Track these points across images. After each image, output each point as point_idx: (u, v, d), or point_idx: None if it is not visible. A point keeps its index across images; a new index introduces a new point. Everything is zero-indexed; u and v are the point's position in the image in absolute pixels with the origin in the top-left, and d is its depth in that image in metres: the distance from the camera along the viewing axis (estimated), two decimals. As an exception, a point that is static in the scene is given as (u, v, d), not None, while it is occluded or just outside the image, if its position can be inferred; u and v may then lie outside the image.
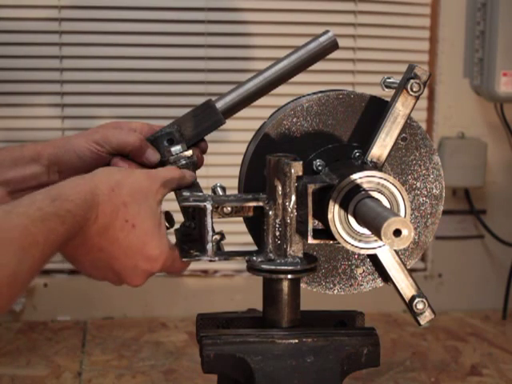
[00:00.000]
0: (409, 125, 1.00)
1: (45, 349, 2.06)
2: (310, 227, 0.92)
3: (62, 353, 2.03)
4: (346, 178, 0.90)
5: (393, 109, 0.97)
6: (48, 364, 1.96)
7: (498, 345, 2.15)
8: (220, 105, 1.07)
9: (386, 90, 1.02)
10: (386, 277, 1.00)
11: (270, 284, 0.97)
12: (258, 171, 0.99)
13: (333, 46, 1.08)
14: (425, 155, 1.02)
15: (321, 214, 0.92)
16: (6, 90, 2.18)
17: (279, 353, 0.93)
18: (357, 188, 0.90)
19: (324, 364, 0.93)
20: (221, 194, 1.00)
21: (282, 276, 0.95)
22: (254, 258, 0.95)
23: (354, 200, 0.89)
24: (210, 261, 0.95)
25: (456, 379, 1.93)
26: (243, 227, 1.03)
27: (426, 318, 0.99)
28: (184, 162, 1.04)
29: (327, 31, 1.08)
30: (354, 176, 0.90)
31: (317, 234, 0.93)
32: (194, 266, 2.18)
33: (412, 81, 0.96)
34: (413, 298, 0.98)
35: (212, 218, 0.94)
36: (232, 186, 1.09)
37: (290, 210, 0.93)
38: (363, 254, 1.02)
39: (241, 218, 0.99)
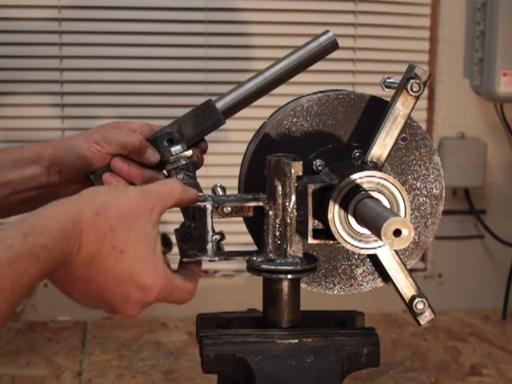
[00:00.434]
0: (409, 125, 1.00)
1: (45, 349, 2.06)
2: (310, 227, 0.92)
3: (62, 353, 2.03)
4: (346, 178, 0.90)
5: (393, 109, 0.97)
6: (48, 364, 1.96)
7: (498, 345, 2.15)
8: (220, 105, 1.07)
9: (386, 89, 1.02)
10: (385, 277, 1.00)
11: (270, 284, 0.97)
12: (258, 171, 0.99)
13: (333, 46, 1.08)
14: (425, 155, 1.02)
15: (321, 213, 0.92)
16: (5, 90, 2.18)
17: (279, 353, 0.93)
18: (357, 188, 0.90)
19: (324, 364, 0.93)
20: (221, 193, 1.00)
21: (282, 276, 0.95)
22: (254, 257, 0.95)
23: (354, 200, 0.89)
24: (210, 261, 0.94)
25: (456, 379, 1.93)
26: (243, 227, 1.03)
27: (426, 318, 0.99)
28: (184, 161, 1.04)
29: (327, 31, 1.08)
30: (354, 176, 0.90)
31: (317, 233, 0.93)
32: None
33: (412, 81, 0.96)
34: (413, 298, 0.98)
35: (212, 217, 0.93)
36: (232, 186, 1.09)
37: (289, 209, 0.93)
38: (363, 254, 1.02)
39: (241, 218, 0.99)
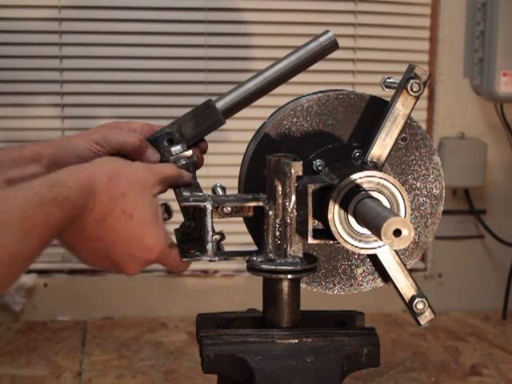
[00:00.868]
0: (409, 125, 1.00)
1: (45, 349, 2.06)
2: (310, 227, 0.92)
3: (62, 353, 2.03)
4: (346, 177, 0.90)
5: (393, 109, 0.97)
6: (48, 364, 1.96)
7: (498, 345, 2.15)
8: (220, 105, 1.07)
9: (386, 89, 1.02)
10: (385, 277, 1.00)
11: (270, 284, 0.97)
12: (258, 171, 0.99)
13: (333, 45, 1.08)
14: (425, 155, 1.02)
15: (321, 213, 0.92)
16: (5, 90, 2.18)
17: (279, 353, 0.93)
18: (357, 188, 0.90)
19: (324, 364, 0.93)
20: (221, 193, 1.00)
21: (282, 276, 0.95)
22: (254, 257, 0.95)
23: (354, 200, 0.89)
24: (210, 261, 0.95)
25: (456, 379, 1.93)
26: (243, 227, 1.03)
27: (425, 317, 0.99)
28: (184, 161, 1.04)
29: (327, 31, 1.08)
30: (354, 176, 0.90)
31: (317, 233, 0.93)
32: (194, 265, 2.18)
33: (412, 81, 0.96)
34: (413, 298, 0.98)
35: (212, 217, 0.93)
36: (232, 186, 1.09)
37: (289, 209, 0.93)
38: (363, 254, 1.02)
39: (241, 218, 0.99)
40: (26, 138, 2.17)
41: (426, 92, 2.32)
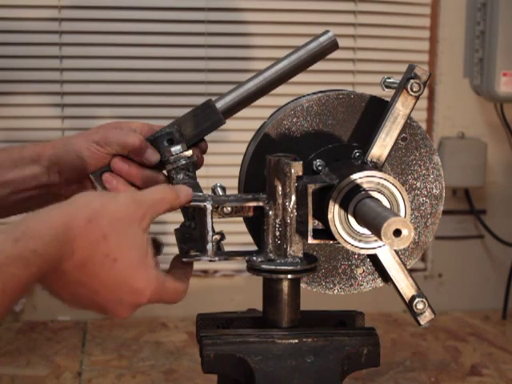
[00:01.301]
0: (409, 125, 1.00)
1: (45, 349, 2.06)
2: (310, 227, 0.92)
3: (62, 353, 2.03)
4: (346, 178, 0.90)
5: (393, 109, 0.97)
6: (48, 364, 1.96)
7: (498, 345, 2.15)
8: (220, 105, 1.07)
9: (386, 89, 1.02)
10: (385, 277, 1.00)
11: (270, 284, 0.97)
12: (258, 171, 0.99)
13: (333, 45, 1.08)
14: (425, 155, 1.02)
15: (321, 213, 0.92)
16: (5, 90, 2.18)
17: (279, 353, 0.93)
18: (357, 188, 0.90)
19: (324, 364, 0.93)
20: (221, 193, 1.00)
21: (282, 276, 0.95)
22: (254, 257, 0.95)
23: (354, 200, 0.89)
24: (210, 261, 0.94)
25: (456, 379, 1.93)
26: (243, 227, 1.03)
27: (425, 318, 0.99)
28: (184, 161, 1.04)
29: (327, 31, 1.08)
30: (354, 176, 0.90)
31: (317, 233, 0.93)
32: (194, 265, 2.18)
33: (412, 81, 0.96)
34: (413, 297, 0.98)
35: (212, 218, 0.93)
36: (232, 185, 1.08)
37: (289, 209, 0.93)
38: (363, 254, 1.02)
39: (241, 218, 0.99)
40: (26, 138, 2.17)
41: (426, 92, 2.32)
